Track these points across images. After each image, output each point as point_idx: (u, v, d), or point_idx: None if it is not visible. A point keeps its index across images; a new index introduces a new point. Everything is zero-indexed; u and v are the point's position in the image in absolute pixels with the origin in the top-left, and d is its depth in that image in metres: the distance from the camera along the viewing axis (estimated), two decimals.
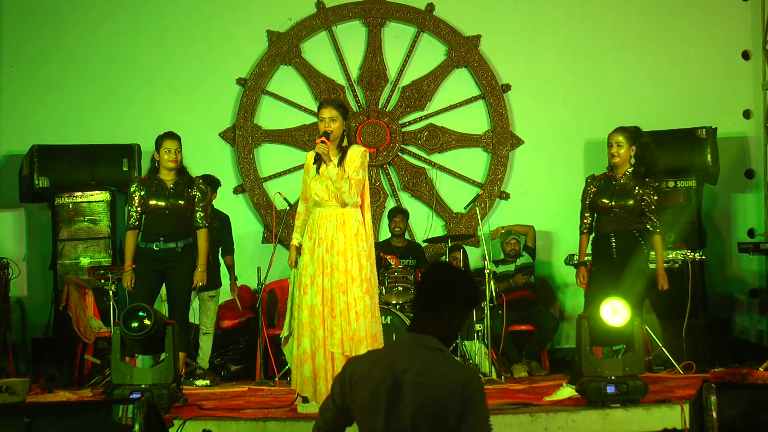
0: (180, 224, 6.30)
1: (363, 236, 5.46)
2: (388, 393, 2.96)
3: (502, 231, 8.44)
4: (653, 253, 6.66)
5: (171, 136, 6.30)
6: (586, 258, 6.35)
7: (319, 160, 5.41)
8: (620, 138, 6.21)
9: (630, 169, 6.18)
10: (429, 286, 3.13)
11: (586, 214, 6.33)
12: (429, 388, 2.95)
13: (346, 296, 5.30)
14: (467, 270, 8.11)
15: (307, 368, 5.30)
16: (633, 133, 6.23)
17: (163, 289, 6.45)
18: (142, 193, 6.25)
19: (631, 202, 6.12)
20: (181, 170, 6.34)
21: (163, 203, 6.23)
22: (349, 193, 5.38)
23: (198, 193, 6.35)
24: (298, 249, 5.61)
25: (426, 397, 2.94)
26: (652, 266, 6.42)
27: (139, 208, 6.26)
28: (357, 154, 5.46)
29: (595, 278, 6.24)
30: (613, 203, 6.14)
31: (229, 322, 8.22)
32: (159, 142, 6.30)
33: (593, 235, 6.34)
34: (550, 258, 8.86)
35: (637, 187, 6.13)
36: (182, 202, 6.27)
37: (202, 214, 6.36)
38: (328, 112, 5.48)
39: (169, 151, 6.25)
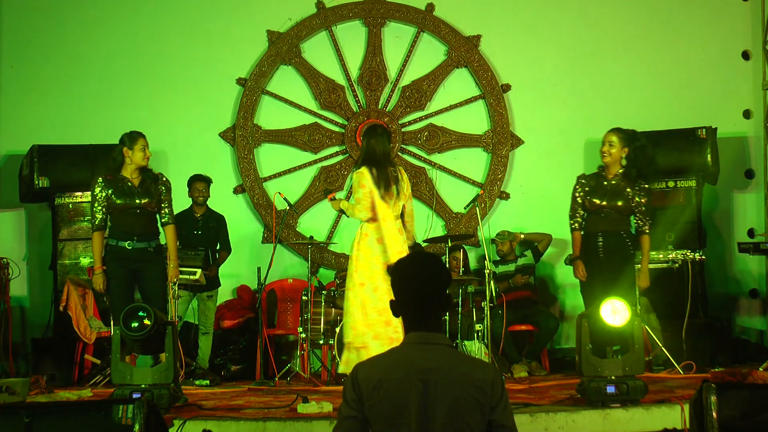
0: (150, 223, 6.31)
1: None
2: (419, 396, 2.93)
3: (522, 237, 8.41)
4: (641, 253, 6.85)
5: (142, 134, 6.31)
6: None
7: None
8: (613, 138, 6.33)
9: (621, 171, 6.26)
10: (431, 282, 3.07)
11: (579, 212, 6.46)
12: (459, 386, 2.95)
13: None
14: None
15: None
16: (628, 135, 6.33)
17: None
18: (109, 192, 6.19)
19: (620, 203, 6.21)
20: (144, 168, 6.33)
21: (135, 201, 6.20)
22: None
23: (164, 189, 6.35)
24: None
25: (457, 395, 2.94)
26: (640, 266, 6.62)
27: (104, 209, 6.20)
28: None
29: (585, 277, 6.41)
30: (604, 203, 6.24)
31: (229, 322, 8.22)
32: (133, 139, 6.24)
33: (583, 234, 6.47)
34: (551, 258, 8.86)
35: (628, 189, 6.21)
36: (152, 200, 6.26)
37: (168, 210, 6.37)
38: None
39: (144, 149, 6.25)
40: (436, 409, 2.93)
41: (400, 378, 2.96)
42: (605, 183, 6.29)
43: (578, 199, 6.44)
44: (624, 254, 6.27)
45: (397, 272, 3.13)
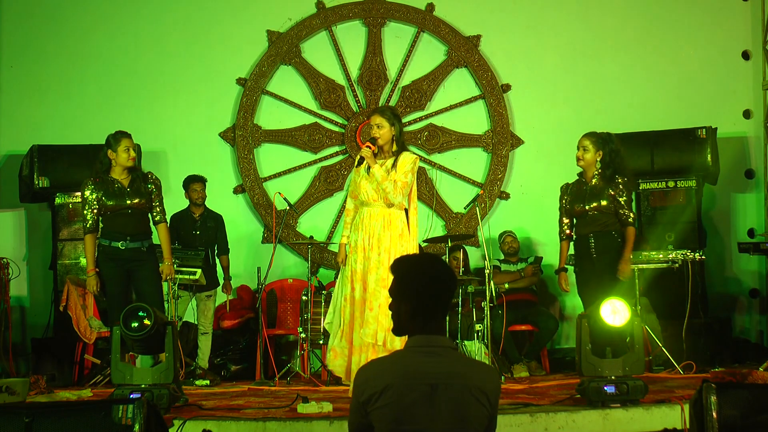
0: (143, 223, 6.31)
1: (407, 237, 5.87)
2: (425, 401, 2.91)
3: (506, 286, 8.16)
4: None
5: (127, 134, 6.29)
6: (568, 265, 6.69)
7: (361, 162, 5.89)
8: (587, 142, 6.45)
9: (597, 173, 6.37)
10: (435, 286, 3.03)
11: (565, 221, 6.69)
12: (466, 391, 2.92)
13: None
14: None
15: (354, 360, 5.79)
16: (602, 139, 6.42)
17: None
18: (100, 194, 6.19)
19: (604, 202, 6.36)
20: (132, 167, 6.33)
21: (126, 202, 6.19)
22: (394, 194, 5.79)
23: (154, 187, 6.34)
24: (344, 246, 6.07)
25: (464, 400, 2.92)
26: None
27: (96, 210, 6.19)
28: (408, 160, 5.90)
29: (580, 279, 6.54)
30: (586, 207, 6.36)
31: (229, 322, 8.22)
32: (116, 140, 6.23)
33: (575, 239, 6.61)
34: (551, 259, 8.85)
35: (607, 187, 6.33)
36: (143, 200, 6.25)
37: (159, 209, 6.36)
38: (376, 120, 5.98)
39: (128, 149, 6.24)
40: (442, 413, 2.91)
41: (407, 384, 2.93)
42: (585, 187, 6.43)
43: (563, 208, 6.65)
44: (615, 254, 6.34)
45: (402, 271, 3.08)
